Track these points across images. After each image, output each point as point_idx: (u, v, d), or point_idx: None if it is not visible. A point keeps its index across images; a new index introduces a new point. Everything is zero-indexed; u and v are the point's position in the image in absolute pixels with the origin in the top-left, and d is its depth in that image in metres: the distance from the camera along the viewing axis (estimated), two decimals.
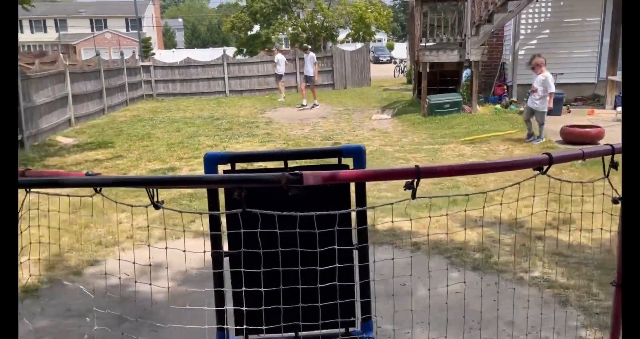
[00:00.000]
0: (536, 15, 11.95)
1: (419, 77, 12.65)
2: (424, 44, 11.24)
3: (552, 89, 8.15)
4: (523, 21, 11.95)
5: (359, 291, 2.22)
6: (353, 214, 2.18)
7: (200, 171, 7.40)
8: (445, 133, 9.47)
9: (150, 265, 3.41)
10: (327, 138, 9.71)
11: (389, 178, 1.45)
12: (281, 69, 17.25)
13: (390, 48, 54.72)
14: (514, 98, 11.65)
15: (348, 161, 2.28)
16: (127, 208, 5.79)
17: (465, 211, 3.67)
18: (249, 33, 34.09)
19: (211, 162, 2.20)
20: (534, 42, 12.09)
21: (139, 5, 60.06)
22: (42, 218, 5.54)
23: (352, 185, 2.26)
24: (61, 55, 13.43)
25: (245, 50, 33.46)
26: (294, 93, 18.73)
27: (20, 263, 1.69)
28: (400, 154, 7.98)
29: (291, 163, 2.38)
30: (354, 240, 2.23)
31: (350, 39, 34.41)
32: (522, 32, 12.10)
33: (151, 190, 1.63)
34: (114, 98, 15.75)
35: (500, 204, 4.85)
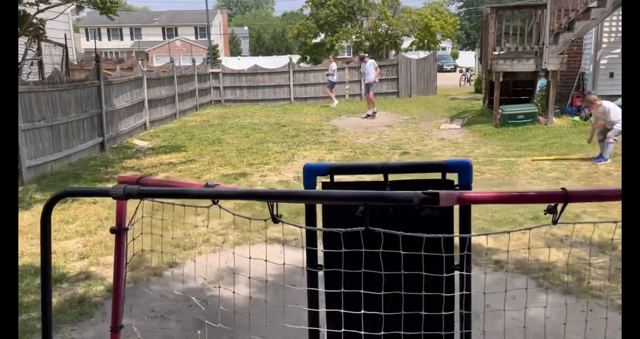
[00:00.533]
0: (620, 23, 11.30)
1: (491, 87, 12.26)
2: (497, 53, 10.87)
3: (618, 117, 7.32)
4: (606, 29, 11.35)
5: (458, 318, 2.09)
6: (456, 239, 2.06)
7: (271, 177, 7.46)
8: (520, 146, 9.10)
9: (232, 270, 3.41)
10: (395, 148, 9.57)
11: (531, 201, 1.33)
12: (334, 77, 17.62)
13: (455, 56, 53.70)
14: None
15: (449, 175, 2.17)
16: (200, 212, 5.91)
17: (552, 224, 3.45)
18: (314, 41, 34.45)
19: (311, 173, 2.16)
20: (617, 50, 11.44)
21: (209, 14, 62.23)
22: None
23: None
24: (139, 62, 14.03)
25: (309, 57, 33.84)
26: (344, 101, 18.90)
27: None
28: (474, 166, 7.70)
29: (385, 177, 2.28)
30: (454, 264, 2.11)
31: (414, 47, 33.98)
32: (605, 40, 11.49)
33: (270, 203, 1.58)
34: (185, 104, 16.28)
35: (594, 224, 4.55)
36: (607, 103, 7.54)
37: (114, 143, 10.42)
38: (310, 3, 33.48)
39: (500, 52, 10.94)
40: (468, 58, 52.63)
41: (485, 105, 13.71)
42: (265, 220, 1.68)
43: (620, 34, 11.44)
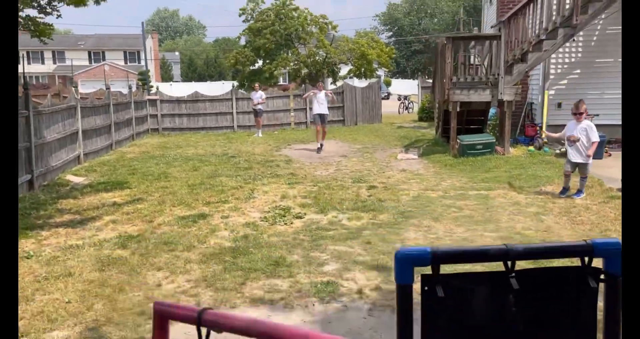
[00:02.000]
0: (567, 55, 11.63)
1: (445, 116, 12.19)
2: (454, 82, 10.79)
3: (596, 138, 7.20)
4: (553, 61, 11.62)
5: None
6: None
7: (235, 218, 6.72)
8: (486, 177, 8.90)
9: None
10: (359, 180, 9.11)
11: None
12: (261, 106, 17.35)
13: (387, 84, 55.00)
14: (545, 140, 11.16)
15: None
16: (162, 265, 5.07)
17: None
18: (252, 68, 33.96)
19: (407, 263, 1.52)
20: (564, 81, 11.73)
21: (137, 38, 60.31)
22: (66, 277, 4.78)
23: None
24: (73, 89, 12.82)
25: (246, 84, 33.17)
26: (289, 130, 18.68)
27: None
28: (448, 201, 7.36)
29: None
30: None
31: (351, 74, 34.35)
32: (552, 71, 11.75)
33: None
34: (121, 133, 15.11)
35: None
36: (589, 121, 7.48)
37: (44, 180, 9.22)
38: (247, 31, 33.10)
39: (456, 82, 10.86)
40: (401, 86, 54.25)
41: (438, 134, 13.66)
42: None
43: (566, 66, 11.75)
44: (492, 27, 12.62)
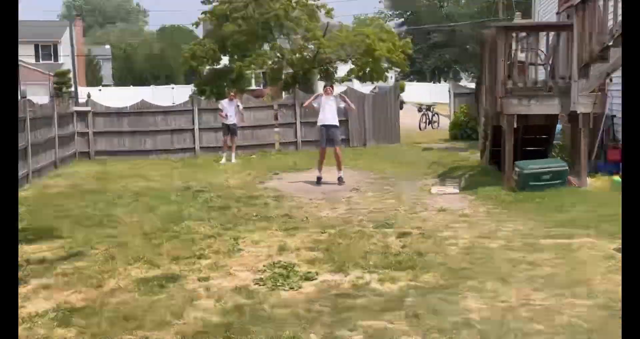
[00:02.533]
0: None
1: (495, 134, 12.28)
2: (508, 88, 10.90)
3: None
4: None
5: None
6: None
7: (218, 281, 6.63)
8: (562, 220, 8.90)
9: None
10: (384, 225, 9.06)
11: None
12: (232, 119, 17.45)
13: (400, 89, 55.55)
14: None
15: None
16: None
17: None
18: (214, 67, 33.89)
19: None
20: None
21: (54, 27, 60.63)
22: None
23: None
24: None
25: (207, 90, 33.01)
26: (273, 154, 18.85)
27: None
28: (515, 254, 7.31)
29: None
30: None
31: (352, 76, 34.43)
32: None
33: None
34: (40, 159, 14.98)
35: None
36: None
37: None
38: (208, 17, 32.98)
39: (512, 88, 10.97)
40: (418, 92, 54.92)
41: (484, 159, 13.74)
42: None
43: None
44: (558, 13, 12.85)
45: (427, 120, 28.72)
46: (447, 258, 7.22)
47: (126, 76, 69.63)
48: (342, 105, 13.98)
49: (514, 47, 11.24)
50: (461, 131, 20.50)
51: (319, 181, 13.18)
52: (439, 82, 73.26)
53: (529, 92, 11.05)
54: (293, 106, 19.61)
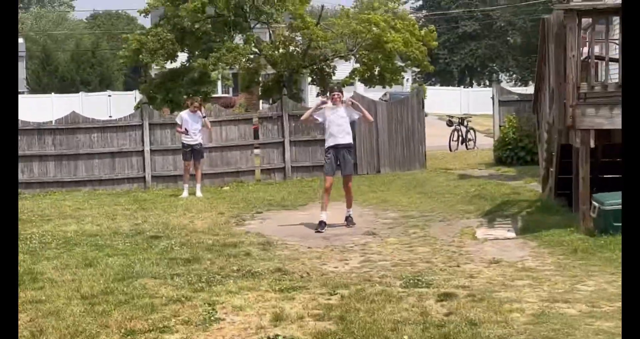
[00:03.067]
0: None
1: (561, 155, 12.29)
2: (582, 93, 10.96)
3: None
4: None
5: None
6: None
7: None
8: None
9: None
10: (416, 283, 9.00)
11: None
12: (196, 137, 17.35)
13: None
14: None
15: None
16: None
17: None
18: (167, 66, 33.72)
19: None
20: None
21: None
22: None
23: None
24: None
25: (160, 98, 32.91)
26: (212, 188, 18.70)
27: None
28: (604, 323, 7.25)
29: None
30: None
31: (356, 78, 34.44)
32: None
33: None
34: None
35: None
36: None
37: None
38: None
39: (586, 93, 11.01)
40: (445, 99, 55.20)
41: (547, 191, 13.73)
42: None
43: None
44: None
45: (460, 138, 28.81)
46: (512, 330, 7.13)
47: (45, 80, 69.52)
48: (357, 116, 13.91)
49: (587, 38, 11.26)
50: (510, 152, 20.44)
51: (321, 226, 13.01)
52: (471, 86, 73.72)
53: (610, 98, 11.08)
54: (280, 119, 19.51)
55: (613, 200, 10.88)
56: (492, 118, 22.18)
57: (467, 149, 28.23)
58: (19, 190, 18.30)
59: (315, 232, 12.91)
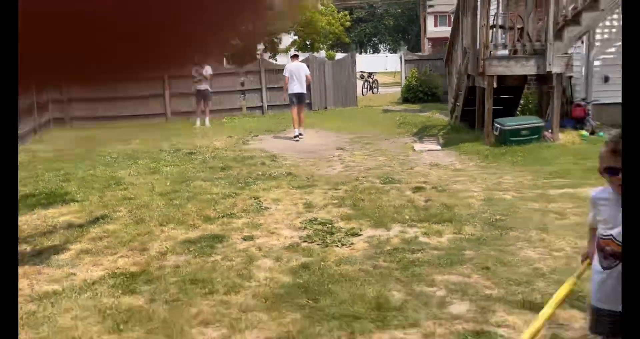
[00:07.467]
0: (615, 16, 11.52)
1: (467, 94, 11.81)
2: (490, 51, 10.39)
3: None
4: (599, 24, 11.47)
5: None
6: None
7: (265, 240, 5.85)
8: (555, 171, 8.52)
9: None
10: (390, 180, 8.44)
11: None
12: (206, 84, 16.23)
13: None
14: (598, 122, 11.03)
15: None
16: (210, 317, 4.18)
17: None
18: None
19: None
20: (612, 49, 11.64)
21: None
22: None
23: None
24: None
25: None
26: (215, 120, 17.66)
27: None
28: (534, 204, 6.86)
29: None
30: None
31: (295, 47, 33.39)
32: (598, 37, 11.62)
33: None
34: (21, 125, 13.51)
35: None
36: None
37: None
38: None
39: (492, 51, 10.46)
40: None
41: (454, 119, 13.24)
42: None
43: (614, 30, 11.67)
44: None
45: (369, 87, 28.09)
46: (476, 210, 6.68)
47: None
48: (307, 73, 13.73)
49: (493, 8, 10.65)
50: (413, 94, 19.94)
51: (296, 137, 13.04)
52: (360, 54, 73.00)
53: (507, 56, 10.60)
54: (259, 73, 18.54)
55: (509, 123, 10.55)
56: (401, 72, 21.49)
57: (373, 94, 27.58)
58: (81, 124, 16.97)
59: (294, 139, 12.89)
